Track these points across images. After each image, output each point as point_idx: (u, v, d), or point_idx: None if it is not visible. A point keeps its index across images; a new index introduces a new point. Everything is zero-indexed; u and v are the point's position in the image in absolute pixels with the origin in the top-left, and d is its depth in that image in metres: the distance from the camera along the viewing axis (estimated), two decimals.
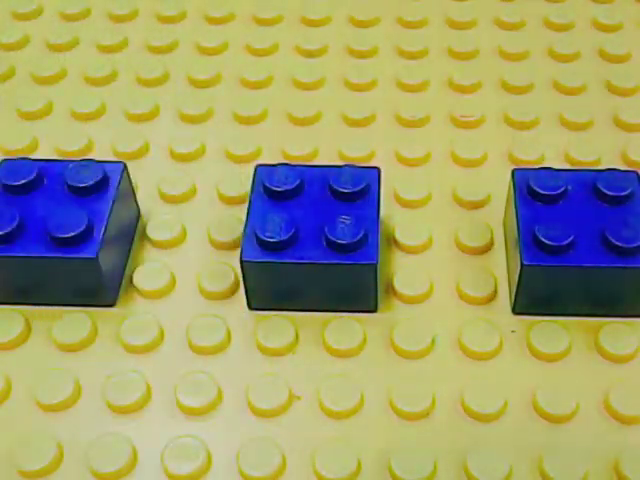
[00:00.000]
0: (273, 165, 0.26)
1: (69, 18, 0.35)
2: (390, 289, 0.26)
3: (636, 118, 0.31)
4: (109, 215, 0.25)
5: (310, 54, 0.33)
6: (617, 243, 0.23)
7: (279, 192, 0.25)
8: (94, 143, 0.30)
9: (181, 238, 0.27)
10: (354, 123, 0.31)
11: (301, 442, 0.23)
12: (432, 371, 0.24)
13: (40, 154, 0.30)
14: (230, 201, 0.28)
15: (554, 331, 0.25)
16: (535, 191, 0.25)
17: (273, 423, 0.23)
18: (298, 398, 0.24)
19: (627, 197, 0.25)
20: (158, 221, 0.28)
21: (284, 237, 0.24)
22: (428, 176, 0.29)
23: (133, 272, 0.26)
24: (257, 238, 0.24)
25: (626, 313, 0.25)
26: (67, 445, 0.23)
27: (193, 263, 0.27)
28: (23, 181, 0.25)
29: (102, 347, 0.25)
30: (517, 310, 0.25)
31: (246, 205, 0.25)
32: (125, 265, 0.27)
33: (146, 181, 0.29)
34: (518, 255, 0.24)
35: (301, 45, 0.34)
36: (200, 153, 0.30)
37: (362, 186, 0.25)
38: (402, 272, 0.26)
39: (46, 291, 0.25)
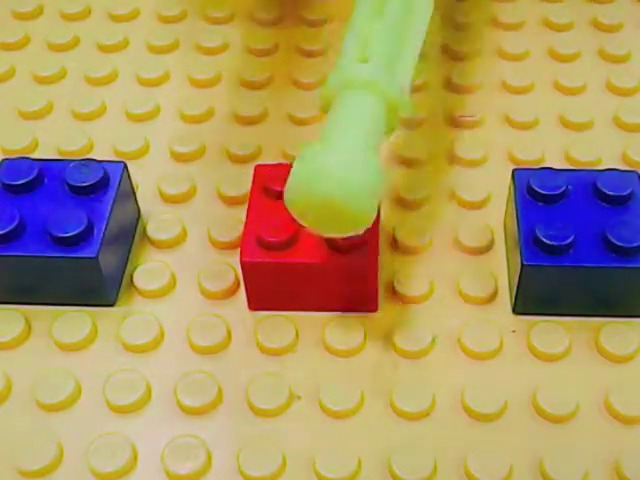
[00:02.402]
0: (273, 164, 0.26)
1: (69, 18, 0.35)
2: (390, 289, 0.26)
3: (636, 118, 0.31)
4: (109, 215, 0.25)
5: (310, 54, 0.33)
6: (617, 243, 0.23)
7: (279, 192, 0.25)
8: (94, 143, 0.30)
9: (181, 238, 0.27)
10: None
11: (301, 442, 0.23)
12: (432, 371, 0.24)
13: (40, 154, 0.30)
14: (230, 201, 0.28)
15: (554, 331, 0.25)
16: (535, 191, 0.25)
17: (273, 423, 0.23)
18: (298, 398, 0.24)
19: (627, 197, 0.25)
20: (158, 221, 0.28)
21: (284, 237, 0.24)
22: (428, 176, 0.29)
23: (133, 272, 0.26)
24: (257, 238, 0.24)
25: (626, 313, 0.25)
26: (67, 445, 0.23)
27: (193, 263, 0.27)
28: (23, 181, 0.25)
29: (102, 347, 0.25)
30: (517, 310, 0.25)
31: (246, 205, 0.25)
32: (125, 265, 0.27)
33: (146, 181, 0.29)
34: (518, 255, 0.24)
35: (301, 45, 0.34)
36: (200, 153, 0.30)
37: None
38: (402, 272, 0.26)
39: (46, 291, 0.25)
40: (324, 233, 0.22)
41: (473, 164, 0.29)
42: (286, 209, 0.23)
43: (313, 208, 0.21)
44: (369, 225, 0.21)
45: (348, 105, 0.22)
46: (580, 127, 0.30)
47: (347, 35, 0.24)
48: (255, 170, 0.26)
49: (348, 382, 0.24)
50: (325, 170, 0.20)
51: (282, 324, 0.25)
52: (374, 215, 0.21)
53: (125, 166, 0.26)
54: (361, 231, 0.21)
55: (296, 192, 0.21)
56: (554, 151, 0.30)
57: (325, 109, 0.23)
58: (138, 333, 0.25)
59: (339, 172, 0.20)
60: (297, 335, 0.25)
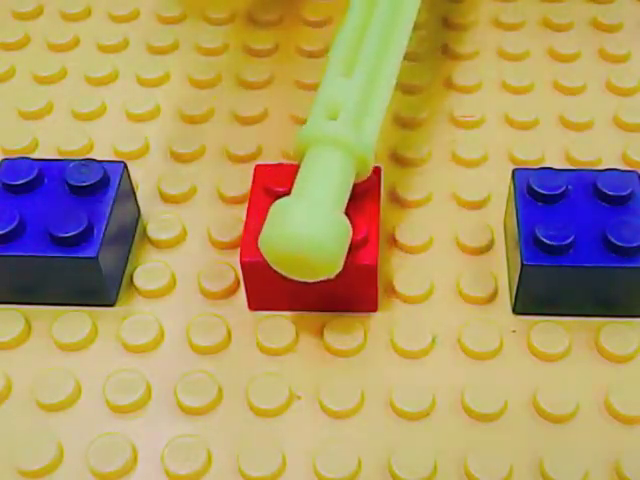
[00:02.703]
0: (273, 164, 0.26)
1: (69, 18, 0.35)
2: (390, 289, 0.26)
3: (636, 118, 0.31)
4: (109, 215, 0.25)
5: (310, 54, 0.33)
6: (617, 243, 0.23)
7: (279, 192, 0.25)
8: (94, 143, 0.30)
9: (181, 238, 0.27)
10: None
11: (301, 442, 0.23)
12: (432, 371, 0.24)
13: (40, 154, 0.30)
14: (230, 201, 0.28)
15: (554, 331, 0.25)
16: (535, 191, 0.25)
17: (273, 423, 0.23)
18: (298, 398, 0.24)
19: (627, 197, 0.25)
20: (158, 221, 0.28)
21: None
22: (428, 176, 0.29)
23: (133, 272, 0.26)
24: (257, 238, 0.24)
25: (626, 313, 0.25)
26: (67, 445, 0.23)
27: (193, 263, 0.27)
28: (23, 181, 0.25)
29: (102, 347, 0.25)
30: (517, 310, 0.25)
31: (246, 205, 0.25)
32: (125, 265, 0.27)
33: (146, 181, 0.29)
34: (518, 255, 0.24)
35: (301, 45, 0.34)
36: (200, 153, 0.30)
37: (363, 185, 0.25)
38: (402, 272, 0.26)
39: (46, 291, 0.25)
40: (297, 278, 0.23)
41: (473, 164, 0.29)
42: None
43: (283, 260, 0.23)
44: (338, 271, 0.23)
45: (317, 160, 0.24)
46: (580, 127, 0.30)
47: (318, 91, 0.25)
48: (255, 170, 0.26)
49: (348, 382, 0.24)
50: (292, 227, 0.22)
51: (282, 324, 0.25)
52: (341, 263, 0.23)
53: (125, 166, 0.26)
54: (332, 276, 0.23)
55: (267, 246, 0.23)
56: (554, 151, 0.30)
57: (298, 161, 0.25)
58: (138, 333, 0.25)
59: (304, 229, 0.22)
60: (297, 335, 0.25)
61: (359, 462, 0.22)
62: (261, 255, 0.24)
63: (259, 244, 0.23)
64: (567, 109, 0.31)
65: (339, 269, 0.23)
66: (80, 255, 0.24)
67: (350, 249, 0.24)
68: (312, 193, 0.23)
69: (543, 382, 0.24)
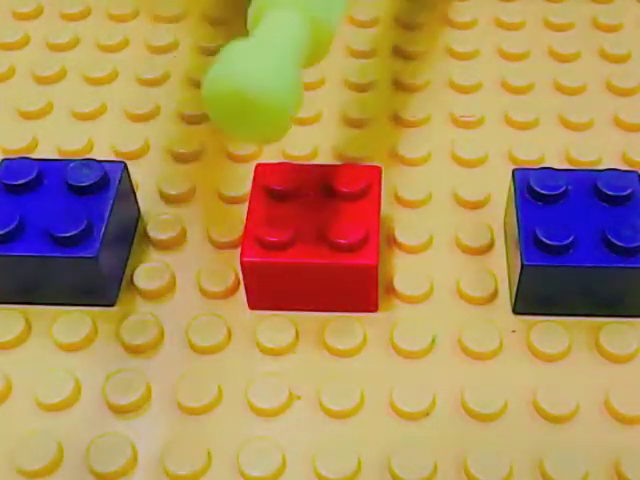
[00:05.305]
0: (273, 164, 0.26)
1: (69, 18, 0.35)
2: (390, 289, 0.26)
3: (636, 118, 0.31)
4: (109, 215, 0.25)
5: None
6: (617, 243, 0.23)
7: (279, 191, 0.25)
8: (94, 143, 0.30)
9: (181, 238, 0.27)
10: (354, 123, 0.31)
11: (301, 442, 0.23)
12: (432, 371, 0.24)
13: (40, 154, 0.30)
14: (230, 201, 0.28)
15: (554, 331, 0.25)
16: (535, 191, 0.25)
17: (273, 423, 0.23)
18: (298, 398, 0.24)
19: (627, 197, 0.25)
20: (158, 221, 0.28)
21: (284, 237, 0.24)
22: (428, 176, 0.29)
23: (133, 272, 0.26)
24: (257, 238, 0.24)
25: (626, 313, 0.25)
26: (67, 445, 0.23)
27: (193, 263, 0.27)
28: (23, 181, 0.25)
29: (102, 347, 0.25)
30: (517, 310, 0.25)
31: (246, 205, 0.25)
32: (125, 265, 0.26)
33: (146, 181, 0.29)
34: (518, 255, 0.24)
35: None
36: (200, 153, 0.30)
37: (363, 185, 0.25)
38: (402, 272, 0.26)
39: (46, 291, 0.25)
40: (238, 134, 0.22)
41: (473, 164, 0.29)
42: (286, 208, 0.24)
43: (226, 103, 0.21)
44: (283, 133, 0.21)
45: (272, 21, 0.23)
46: (580, 127, 0.30)
47: None
48: (255, 170, 0.26)
49: (348, 382, 0.24)
50: (240, 65, 0.21)
51: (282, 324, 0.25)
52: (287, 120, 0.21)
53: (125, 166, 0.26)
54: (274, 138, 0.21)
55: (211, 86, 0.21)
56: (554, 151, 0.30)
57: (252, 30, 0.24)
58: (138, 333, 0.25)
59: (254, 67, 0.21)
60: (297, 335, 0.25)
61: (359, 462, 0.22)
62: (261, 255, 0.24)
63: (204, 92, 0.21)
64: (567, 109, 0.31)
65: (284, 125, 0.21)
66: (80, 255, 0.24)
67: (350, 249, 0.24)
68: (264, 39, 0.22)
69: (543, 382, 0.24)
